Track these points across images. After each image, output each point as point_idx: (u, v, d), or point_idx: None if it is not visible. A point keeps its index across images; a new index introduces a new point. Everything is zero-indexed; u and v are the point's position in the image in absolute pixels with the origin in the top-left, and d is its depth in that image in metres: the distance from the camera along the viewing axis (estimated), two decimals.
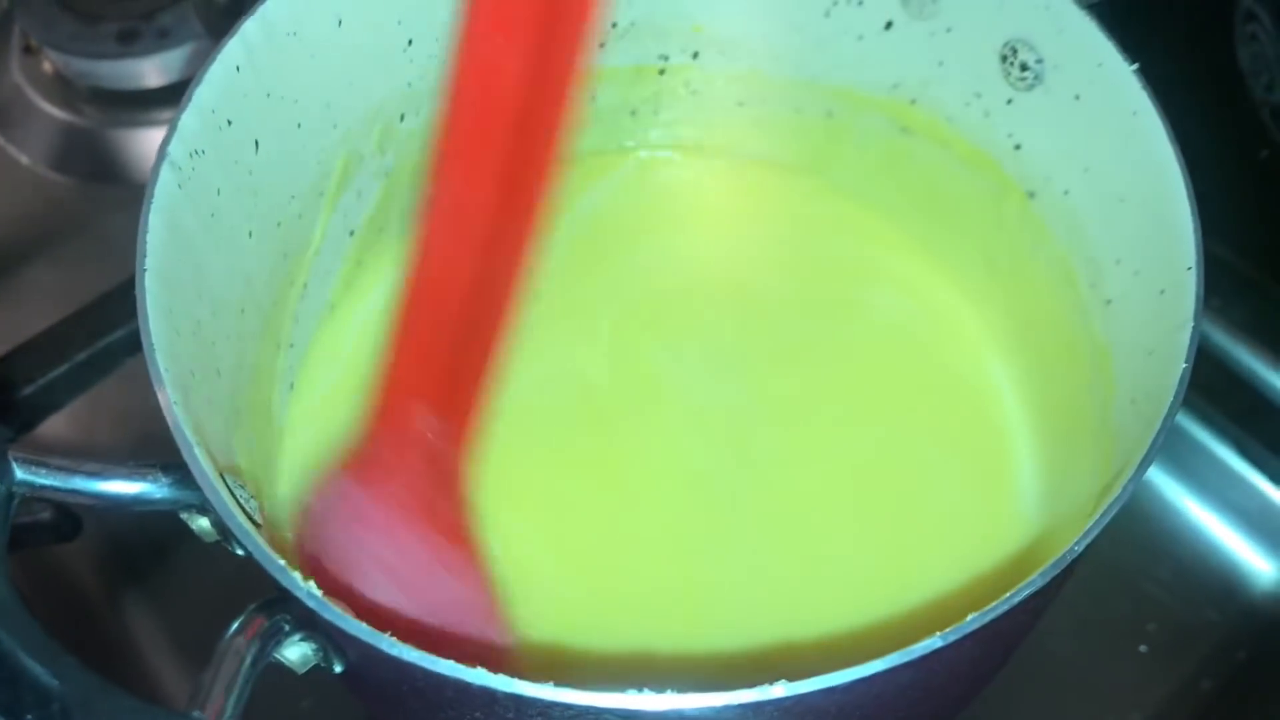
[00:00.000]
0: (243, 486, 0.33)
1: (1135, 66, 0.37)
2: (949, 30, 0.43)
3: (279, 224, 0.42)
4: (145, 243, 0.34)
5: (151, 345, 0.32)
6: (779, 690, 0.27)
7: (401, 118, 0.46)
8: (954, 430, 0.45)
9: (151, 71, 0.63)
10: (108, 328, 0.53)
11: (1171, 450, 0.53)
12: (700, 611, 0.39)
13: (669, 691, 0.27)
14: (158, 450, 0.32)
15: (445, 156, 0.31)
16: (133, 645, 0.50)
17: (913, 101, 0.46)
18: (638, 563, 0.40)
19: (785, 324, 0.47)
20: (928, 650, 0.27)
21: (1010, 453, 0.44)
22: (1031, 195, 0.43)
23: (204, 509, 0.32)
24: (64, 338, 0.53)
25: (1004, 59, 0.41)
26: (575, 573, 0.40)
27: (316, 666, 0.32)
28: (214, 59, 0.37)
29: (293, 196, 0.42)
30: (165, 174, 0.35)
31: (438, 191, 0.32)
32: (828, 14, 0.45)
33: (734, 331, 0.47)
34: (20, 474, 0.30)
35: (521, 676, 0.27)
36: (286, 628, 0.30)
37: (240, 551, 0.31)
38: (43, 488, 0.31)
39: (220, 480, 0.31)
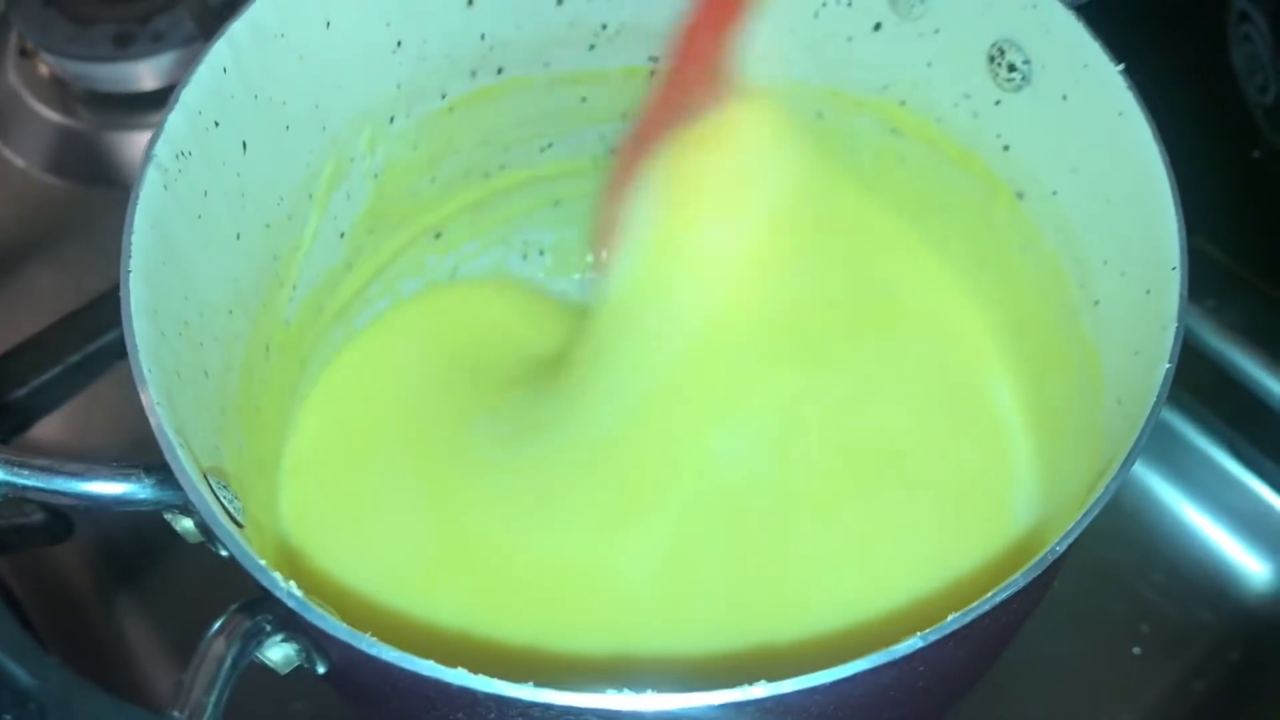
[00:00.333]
0: (226, 487, 0.33)
1: (1121, 67, 0.37)
2: (937, 31, 0.43)
3: (267, 225, 0.42)
4: (130, 244, 0.34)
5: (135, 347, 0.32)
6: (759, 690, 0.27)
7: (391, 119, 0.46)
8: (945, 431, 0.45)
9: (147, 74, 0.63)
10: (100, 330, 0.53)
11: (1165, 452, 0.53)
12: (682, 612, 0.39)
13: (649, 691, 0.27)
14: (152, 452, 0.32)
15: None
16: (125, 645, 0.50)
17: (902, 102, 0.46)
18: (619, 564, 0.40)
19: (774, 324, 0.47)
20: (909, 650, 0.27)
21: (1003, 453, 0.44)
22: (1020, 196, 0.43)
23: (187, 510, 0.32)
24: (56, 340, 0.53)
25: (992, 60, 0.41)
26: (556, 573, 0.40)
27: (299, 667, 0.32)
28: (201, 61, 0.37)
29: (281, 198, 0.42)
30: (151, 175, 0.35)
31: None
32: (816, 15, 0.45)
33: (723, 331, 0.47)
34: (3, 474, 0.30)
35: (502, 677, 0.27)
36: (268, 628, 0.30)
37: (224, 552, 0.31)
38: (25, 488, 0.31)
39: (203, 481, 0.31)
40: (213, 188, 0.38)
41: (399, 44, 0.44)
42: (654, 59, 0.49)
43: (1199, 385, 0.53)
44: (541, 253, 0.53)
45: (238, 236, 0.40)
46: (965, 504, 0.43)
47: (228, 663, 0.28)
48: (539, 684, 0.27)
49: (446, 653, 0.28)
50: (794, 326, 0.47)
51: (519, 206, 0.52)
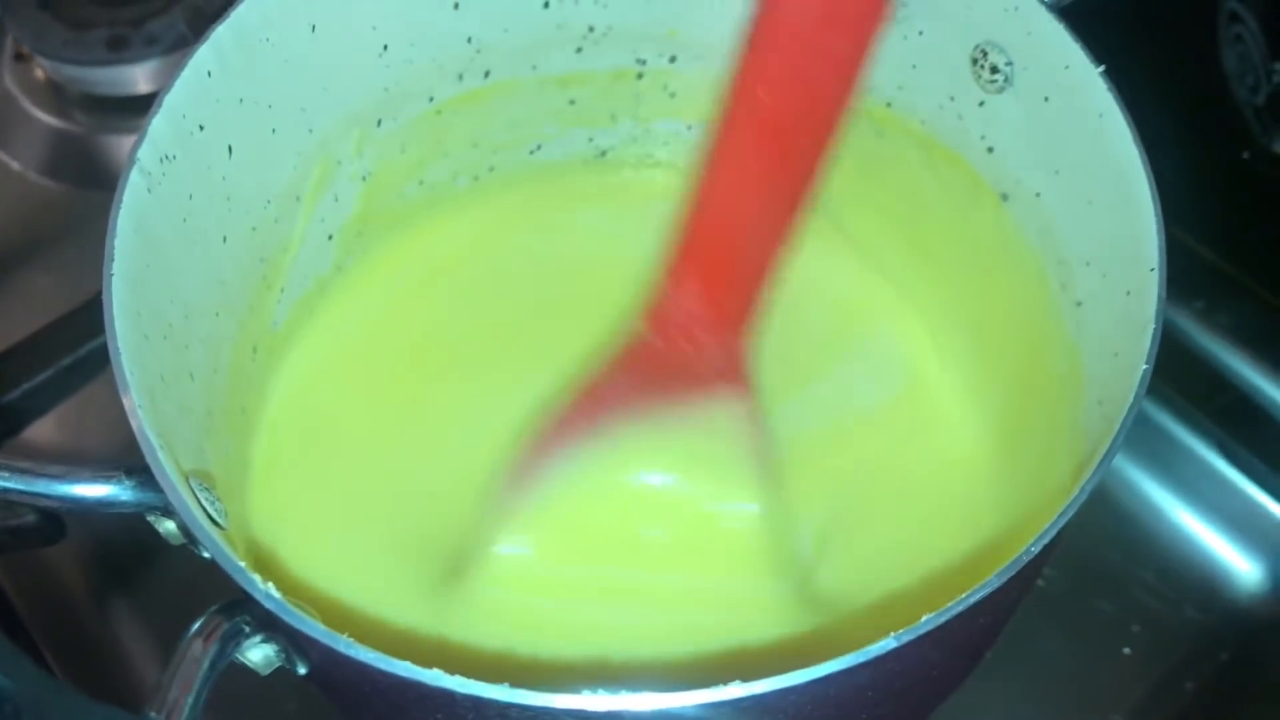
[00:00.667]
0: (209, 489, 0.34)
1: (1102, 69, 0.37)
2: (921, 34, 0.43)
3: (254, 228, 0.42)
4: (113, 247, 0.34)
5: (118, 350, 0.32)
6: (734, 690, 0.27)
7: (378, 122, 0.46)
8: (928, 431, 0.45)
9: (141, 78, 0.64)
10: (93, 332, 0.53)
11: (1155, 452, 0.53)
12: (657, 616, 0.39)
13: (623, 692, 0.27)
14: (140, 451, 0.32)
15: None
16: (118, 647, 0.50)
17: (888, 105, 0.46)
18: (594, 565, 0.40)
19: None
20: (882, 651, 0.27)
21: (986, 455, 0.44)
22: (1005, 197, 0.43)
23: (169, 512, 0.32)
24: (49, 342, 0.53)
25: (975, 61, 0.41)
26: (532, 575, 0.40)
27: (280, 668, 0.32)
28: (185, 65, 0.37)
29: (268, 201, 0.43)
30: (135, 179, 0.35)
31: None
32: None
33: None
34: None
35: (478, 678, 0.27)
36: (247, 629, 0.30)
37: (205, 554, 0.31)
38: (6, 490, 0.31)
39: (184, 483, 0.32)
40: (198, 191, 0.39)
41: (385, 47, 0.44)
42: (641, 61, 0.49)
43: (1189, 386, 0.53)
44: None
45: (224, 239, 0.40)
46: (944, 505, 0.43)
47: (206, 664, 0.28)
48: (514, 685, 0.27)
49: (427, 654, 0.28)
50: (777, 332, 0.47)
51: None
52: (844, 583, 0.40)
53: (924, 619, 0.28)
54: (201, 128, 0.38)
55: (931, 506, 0.43)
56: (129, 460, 0.33)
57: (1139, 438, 0.53)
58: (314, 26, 0.41)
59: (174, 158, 0.37)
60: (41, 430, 0.54)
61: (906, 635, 0.27)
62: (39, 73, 0.66)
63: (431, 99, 0.47)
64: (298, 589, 0.40)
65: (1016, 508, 0.41)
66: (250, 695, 0.37)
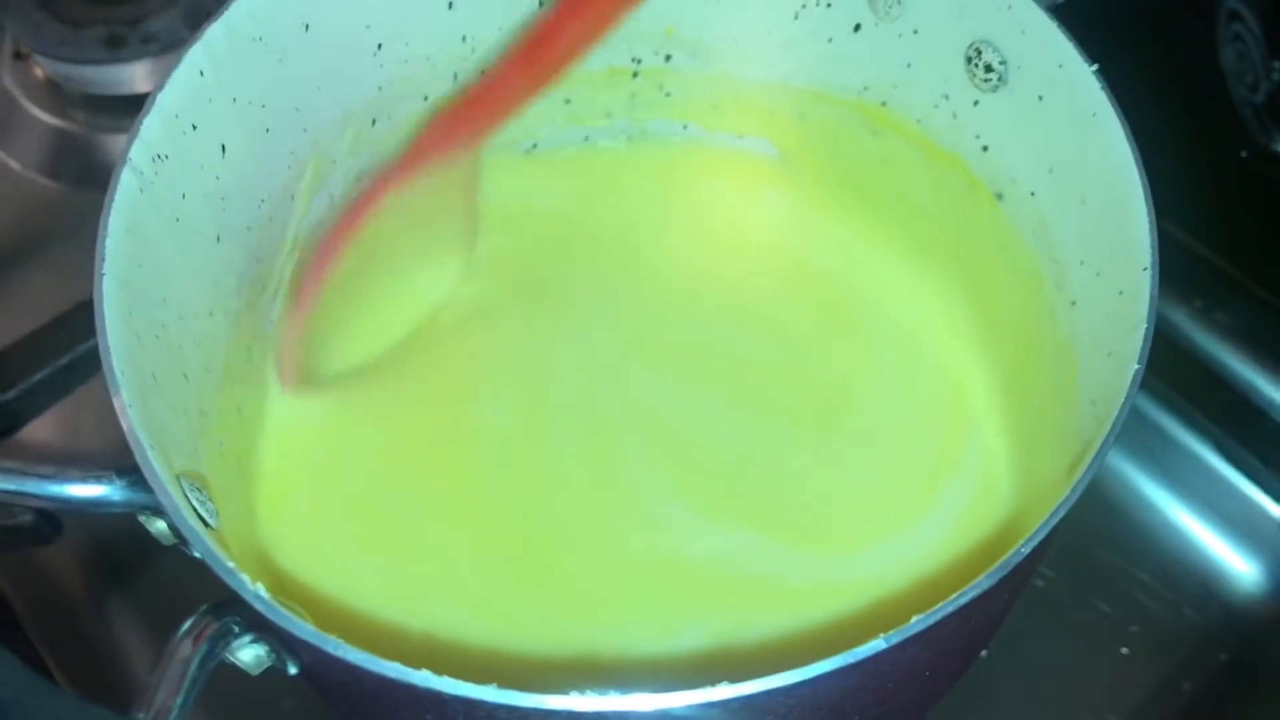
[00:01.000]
0: (200, 490, 0.34)
1: (1095, 68, 0.37)
2: (916, 32, 0.43)
3: (248, 228, 0.42)
4: (105, 247, 0.34)
5: (108, 350, 0.32)
6: (722, 691, 0.27)
7: (373, 121, 0.46)
8: (924, 430, 0.45)
9: (139, 76, 0.64)
10: (90, 332, 0.52)
11: (1152, 451, 0.53)
12: (646, 616, 0.39)
13: (611, 693, 0.27)
14: None
15: None
16: (115, 646, 0.50)
17: (883, 103, 0.46)
18: (583, 566, 0.40)
19: (755, 323, 0.47)
20: (871, 652, 0.27)
21: (980, 454, 0.44)
22: (999, 196, 0.43)
23: (160, 512, 0.32)
24: (46, 342, 0.53)
25: (969, 60, 0.41)
26: (520, 574, 0.40)
27: (271, 668, 0.32)
28: (177, 64, 0.37)
29: (262, 200, 0.42)
30: (126, 178, 0.35)
31: None
32: (796, 16, 0.45)
33: (702, 332, 0.47)
34: None
35: (468, 679, 0.27)
36: (236, 629, 0.30)
37: (196, 554, 0.31)
38: None
39: (175, 483, 0.31)
40: (191, 190, 0.38)
41: (380, 46, 0.44)
42: (636, 60, 0.49)
43: (1187, 385, 0.53)
44: None
45: (218, 239, 0.40)
46: (937, 503, 0.43)
47: (194, 664, 0.28)
48: (502, 686, 0.27)
49: (420, 654, 0.28)
50: (772, 330, 0.47)
51: None
52: (834, 583, 0.40)
53: (913, 620, 0.28)
54: (194, 127, 0.38)
55: (931, 504, 0.43)
56: (125, 460, 0.33)
57: (1136, 437, 0.53)
58: (307, 25, 0.41)
59: (166, 157, 0.37)
60: (39, 430, 0.54)
61: (896, 636, 0.27)
62: (37, 71, 0.66)
63: (426, 98, 0.47)
64: (296, 589, 0.40)
65: (1014, 508, 0.41)
66: (246, 693, 0.36)
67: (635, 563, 0.40)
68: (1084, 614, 0.49)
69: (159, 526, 0.33)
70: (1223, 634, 0.49)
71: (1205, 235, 0.55)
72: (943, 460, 0.44)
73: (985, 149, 0.43)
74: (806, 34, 0.46)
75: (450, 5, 0.44)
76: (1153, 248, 0.34)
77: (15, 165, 0.64)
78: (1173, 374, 0.53)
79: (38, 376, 0.52)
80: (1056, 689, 0.48)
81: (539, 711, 0.27)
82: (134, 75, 0.64)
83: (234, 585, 0.29)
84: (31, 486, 0.31)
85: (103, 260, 0.33)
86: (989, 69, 0.41)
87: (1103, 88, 0.36)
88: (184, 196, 0.38)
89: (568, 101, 0.50)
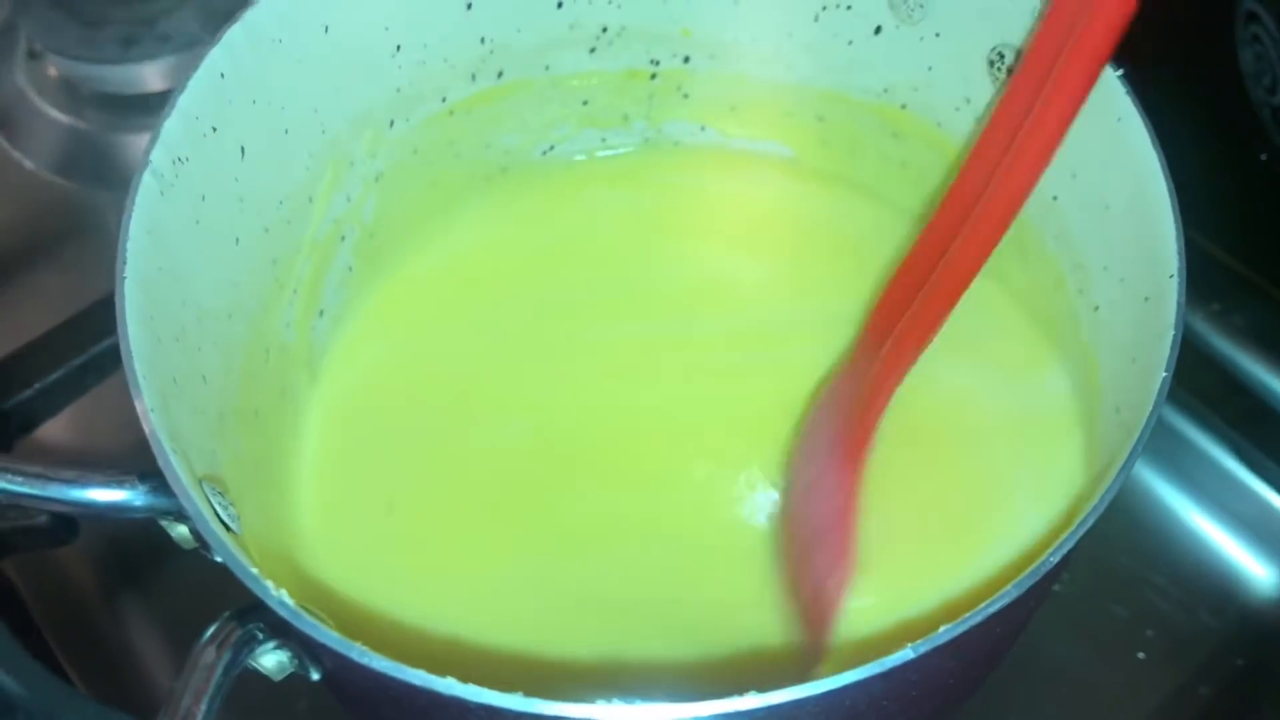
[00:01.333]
0: (222, 494, 0.33)
1: (1120, 72, 0.37)
2: (937, 35, 0.43)
3: (266, 230, 0.42)
4: (126, 250, 0.34)
5: (130, 353, 0.32)
6: (750, 700, 0.27)
7: (391, 123, 0.46)
8: (940, 438, 0.44)
9: (154, 76, 0.64)
10: (105, 332, 0.53)
11: (1170, 455, 0.53)
12: (673, 623, 0.39)
13: (638, 702, 0.27)
14: (153, 453, 0.32)
15: None
16: (130, 647, 0.50)
17: (903, 106, 0.46)
18: (610, 570, 0.40)
19: (776, 330, 0.47)
20: (900, 662, 0.27)
21: (1000, 461, 0.44)
22: None
23: (182, 516, 0.32)
24: (61, 342, 0.53)
25: (991, 64, 0.41)
26: (547, 580, 0.40)
27: (293, 674, 0.32)
28: (198, 66, 0.37)
29: (281, 202, 0.42)
30: (147, 181, 0.35)
31: None
32: (817, 19, 0.45)
33: (725, 338, 0.47)
34: None
35: (492, 687, 0.27)
36: (260, 636, 0.30)
37: (217, 559, 0.31)
38: (19, 495, 0.31)
39: (197, 488, 0.31)
40: (210, 193, 0.38)
41: (398, 48, 0.44)
42: (654, 61, 0.49)
43: (1204, 389, 0.53)
44: None
45: (236, 241, 0.40)
46: (957, 512, 0.43)
47: (219, 671, 0.28)
48: (528, 694, 0.27)
49: (443, 659, 0.28)
50: (793, 336, 0.47)
51: None
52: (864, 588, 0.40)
53: (941, 629, 0.27)
54: (214, 129, 0.38)
55: (951, 511, 0.43)
56: (141, 462, 0.32)
57: (1154, 441, 0.52)
58: (327, 27, 0.41)
59: (186, 159, 0.37)
60: (53, 430, 0.54)
61: (924, 646, 0.27)
62: (52, 70, 0.66)
63: (444, 99, 0.47)
64: (315, 592, 0.40)
65: (1047, 516, 0.40)
66: (260, 694, 0.36)
67: (661, 568, 0.40)
68: (1100, 618, 0.49)
69: (180, 531, 0.33)
70: (1240, 638, 0.48)
71: (1223, 238, 0.55)
72: (963, 471, 0.44)
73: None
74: (827, 36, 0.45)
75: (469, 6, 0.44)
76: (1179, 254, 0.33)
77: (29, 164, 0.64)
78: (1190, 378, 0.52)
79: (54, 376, 0.52)
80: (1072, 693, 0.47)
81: None
82: (148, 75, 0.63)
83: (258, 592, 0.29)
84: (53, 491, 0.31)
85: (124, 264, 0.33)
86: (1011, 73, 0.40)
87: (1128, 92, 0.36)
88: (203, 199, 0.38)
89: (585, 103, 0.50)
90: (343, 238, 0.47)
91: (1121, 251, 0.37)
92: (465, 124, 0.48)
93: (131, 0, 0.64)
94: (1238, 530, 0.51)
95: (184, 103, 0.37)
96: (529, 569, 0.40)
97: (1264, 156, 0.55)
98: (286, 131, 0.41)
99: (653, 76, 0.49)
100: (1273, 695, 0.48)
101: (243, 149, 0.40)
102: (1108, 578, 0.49)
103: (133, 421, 0.32)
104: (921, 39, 0.43)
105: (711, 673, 0.37)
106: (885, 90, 0.46)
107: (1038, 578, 0.28)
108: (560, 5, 0.46)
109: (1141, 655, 0.48)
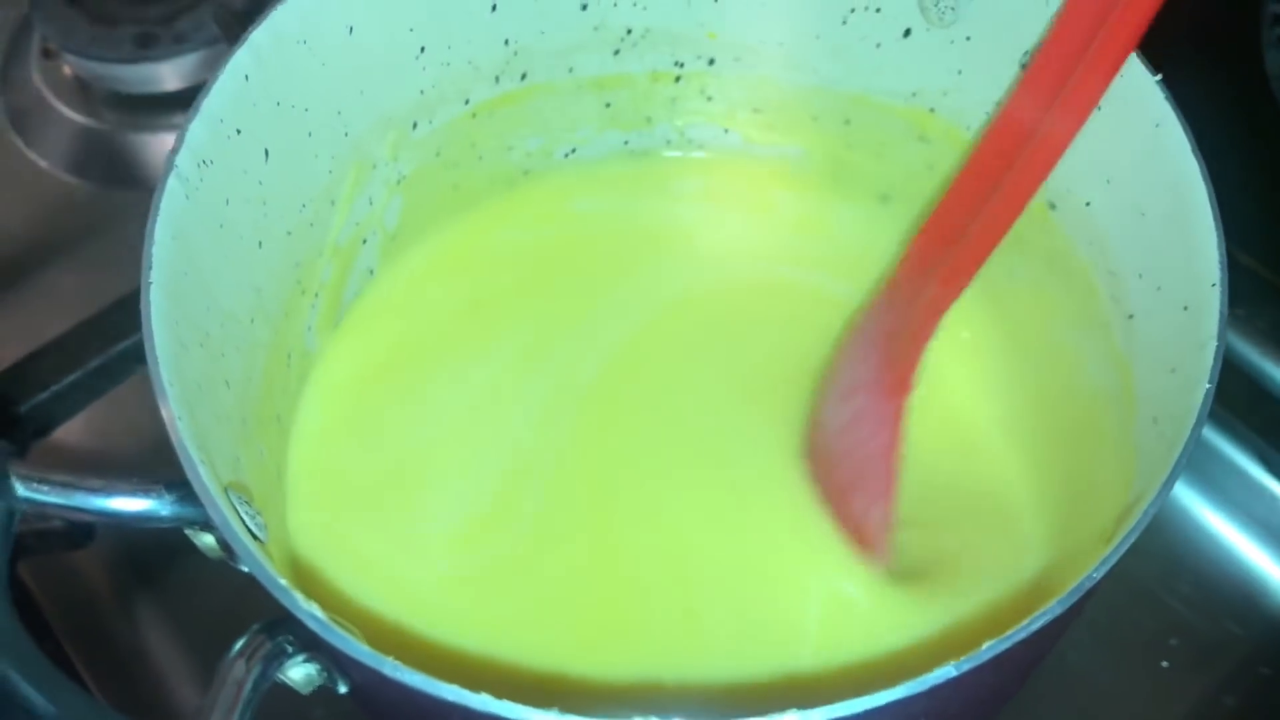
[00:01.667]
0: (248, 503, 0.33)
1: (1159, 78, 0.36)
2: (968, 39, 0.42)
3: (289, 233, 0.41)
4: (151, 255, 0.33)
5: (156, 360, 0.32)
6: (790, 719, 0.26)
7: (414, 125, 0.45)
8: (968, 446, 0.44)
9: (169, 75, 0.63)
10: (121, 334, 0.53)
11: (1193, 462, 0.51)
12: (709, 639, 0.39)
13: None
14: (172, 457, 0.31)
15: None
16: (145, 651, 0.49)
17: (931, 110, 0.45)
18: (645, 590, 0.40)
19: (799, 335, 0.47)
20: (941, 680, 0.27)
21: (1027, 468, 0.43)
22: (1052, 206, 0.42)
23: (208, 526, 0.31)
24: (77, 344, 0.53)
25: (1024, 68, 0.41)
26: (582, 599, 0.40)
27: (321, 687, 0.31)
28: (222, 68, 0.37)
29: (304, 205, 0.42)
30: (172, 185, 0.35)
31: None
32: (845, 21, 0.45)
33: (746, 346, 0.47)
34: (22, 491, 0.30)
35: (526, 702, 0.27)
36: (290, 649, 0.29)
37: (244, 568, 0.30)
38: (45, 505, 0.30)
39: (225, 497, 0.31)
40: (234, 196, 0.38)
41: (422, 49, 0.44)
42: (679, 63, 0.48)
43: (1229, 395, 0.52)
44: None
45: (259, 245, 0.40)
46: (984, 522, 0.42)
47: (249, 686, 0.28)
48: (564, 710, 0.26)
49: (469, 673, 0.27)
50: (819, 342, 0.46)
51: None
52: (898, 608, 0.40)
53: (985, 646, 0.27)
54: (239, 132, 0.38)
55: (979, 522, 0.42)
56: (157, 464, 0.32)
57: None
58: (351, 28, 0.41)
59: (211, 163, 0.36)
60: (69, 432, 0.53)
61: (967, 664, 0.27)
62: (66, 70, 0.65)
63: (467, 101, 0.46)
64: (335, 602, 0.39)
65: (1074, 525, 0.40)
66: (277, 701, 0.36)
67: (699, 586, 0.40)
68: (1124, 627, 0.48)
69: (206, 540, 0.33)
70: (1265, 648, 0.48)
71: (1247, 242, 0.55)
72: (991, 478, 0.43)
73: None
74: (855, 39, 0.45)
75: (494, 8, 0.44)
76: (1221, 264, 0.33)
77: (43, 163, 0.64)
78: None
79: (70, 379, 0.52)
80: (1097, 702, 0.47)
81: None
82: (163, 74, 0.63)
83: (288, 604, 0.28)
84: (79, 500, 0.31)
85: (149, 269, 0.33)
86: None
87: (1167, 98, 0.36)
88: (227, 202, 0.38)
89: (608, 105, 0.49)
90: (364, 240, 0.46)
91: (1158, 259, 0.37)
92: (488, 126, 0.47)
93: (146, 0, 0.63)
94: (1263, 538, 0.51)
95: (208, 105, 0.36)
96: (565, 585, 0.40)
97: None
98: (310, 134, 0.41)
99: (677, 79, 0.49)
100: None
101: (266, 152, 0.39)
102: (1131, 586, 0.49)
103: (147, 424, 0.31)
104: (952, 42, 0.43)
105: (750, 692, 0.37)
106: (913, 94, 0.45)
107: (1082, 593, 0.28)
108: (585, 7, 0.45)
109: (1166, 664, 0.48)
